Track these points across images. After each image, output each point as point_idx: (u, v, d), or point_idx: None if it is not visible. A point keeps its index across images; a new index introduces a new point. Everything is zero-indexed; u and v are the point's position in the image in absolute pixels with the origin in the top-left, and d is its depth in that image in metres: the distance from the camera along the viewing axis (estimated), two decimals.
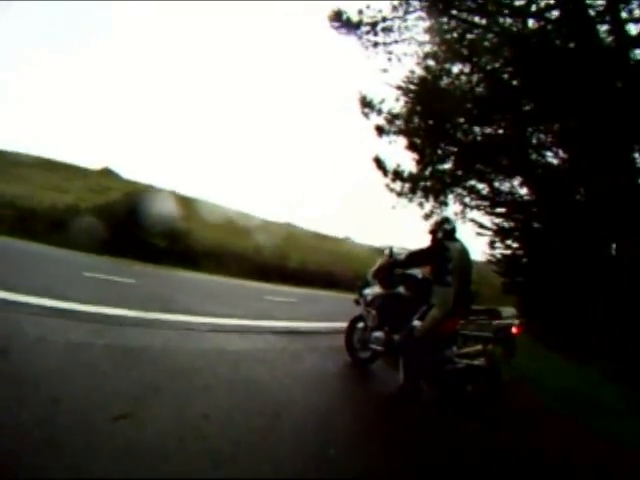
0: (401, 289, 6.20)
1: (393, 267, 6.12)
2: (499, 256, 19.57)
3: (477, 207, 18.04)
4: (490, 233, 18.98)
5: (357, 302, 6.82)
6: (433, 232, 5.72)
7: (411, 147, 17.14)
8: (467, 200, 17.75)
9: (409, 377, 5.26)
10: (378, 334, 6.09)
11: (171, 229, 20.94)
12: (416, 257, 5.74)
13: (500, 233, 18.84)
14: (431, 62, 15.64)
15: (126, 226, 18.58)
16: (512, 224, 18.17)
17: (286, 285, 20.51)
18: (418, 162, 17.21)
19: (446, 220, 5.82)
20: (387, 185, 17.53)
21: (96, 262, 13.32)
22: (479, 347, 5.22)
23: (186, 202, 30.86)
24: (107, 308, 6.52)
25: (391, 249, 6.23)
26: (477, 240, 19.16)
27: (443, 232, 5.63)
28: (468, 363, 5.20)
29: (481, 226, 18.56)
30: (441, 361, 5.33)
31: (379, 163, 18.04)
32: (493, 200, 17.55)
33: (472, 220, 18.20)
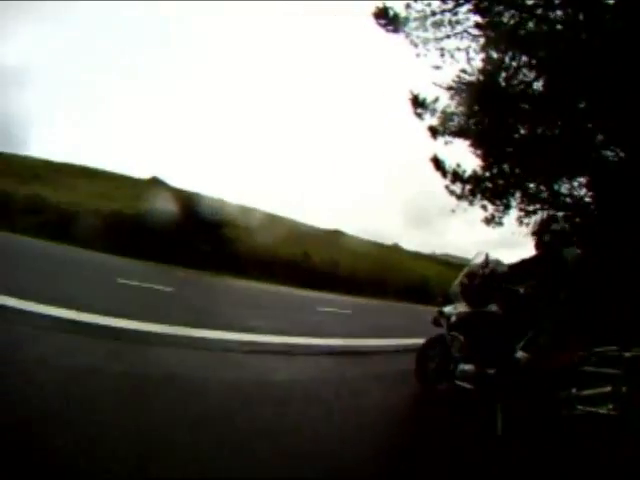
0: (493, 307, 4.77)
1: (492, 280, 4.73)
2: None
3: (534, 211, 16.39)
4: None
5: (436, 323, 5.42)
6: (538, 234, 4.50)
7: (475, 146, 15.68)
8: (524, 204, 16.18)
9: (510, 426, 3.97)
10: (466, 367, 4.70)
11: (218, 234, 20.38)
12: (524, 268, 4.38)
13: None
14: (486, 56, 14.35)
15: (171, 232, 17.93)
16: (572, 228, 16.40)
17: (337, 294, 19.35)
18: (484, 161, 15.64)
19: (554, 219, 4.63)
20: (447, 187, 16.09)
21: (136, 268, 12.68)
22: (607, 389, 3.79)
23: (233, 209, 30.46)
24: (135, 322, 5.52)
25: (487, 256, 4.85)
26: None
27: (552, 235, 4.27)
28: (591, 410, 3.79)
29: None
30: (554, 406, 3.97)
31: (438, 163, 16.57)
32: (552, 203, 15.86)
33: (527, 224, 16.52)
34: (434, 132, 15.79)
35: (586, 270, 4.39)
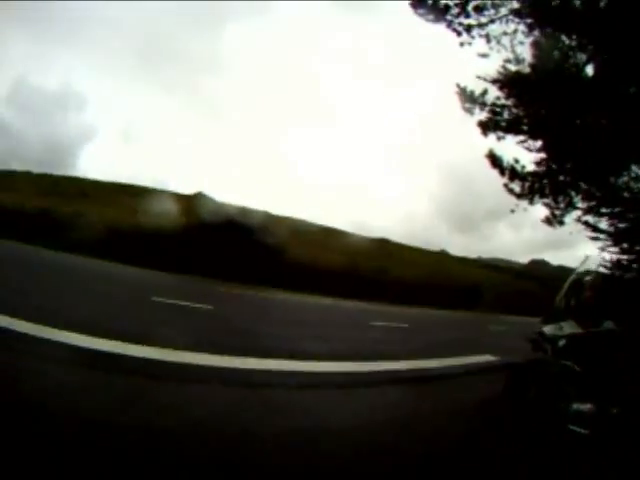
0: (612, 325, 3.55)
1: (611, 291, 3.54)
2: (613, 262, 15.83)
3: (590, 209, 14.81)
4: (605, 236, 15.42)
5: (536, 346, 4.21)
6: None
7: (531, 139, 14.40)
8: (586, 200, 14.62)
9: None
10: (583, 406, 3.46)
11: (262, 247, 19.75)
12: None
13: (615, 235, 15.21)
14: (535, 40, 13.09)
15: (213, 245, 17.56)
16: (629, 224, 14.54)
17: (388, 304, 18.27)
18: (545, 156, 14.25)
19: None
20: (505, 185, 14.78)
21: (175, 283, 12.11)
22: None
23: (277, 220, 30.01)
24: (160, 351, 4.60)
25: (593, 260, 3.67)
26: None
27: None
28: None
29: (595, 229, 15.14)
30: None
31: (494, 160, 15.23)
32: (607, 198, 14.15)
33: (585, 223, 14.87)
34: (485, 128, 14.64)
35: None
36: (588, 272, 3.89)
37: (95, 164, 69.36)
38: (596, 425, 3.34)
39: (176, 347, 4.79)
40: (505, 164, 15.07)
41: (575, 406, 3.53)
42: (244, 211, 23.41)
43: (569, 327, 3.89)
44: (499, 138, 14.62)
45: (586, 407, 3.46)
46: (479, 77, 13.67)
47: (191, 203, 36.44)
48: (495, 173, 14.42)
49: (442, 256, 39.41)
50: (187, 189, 46.04)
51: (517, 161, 15.06)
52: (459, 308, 22.57)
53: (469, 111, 14.66)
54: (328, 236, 31.78)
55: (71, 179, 31.95)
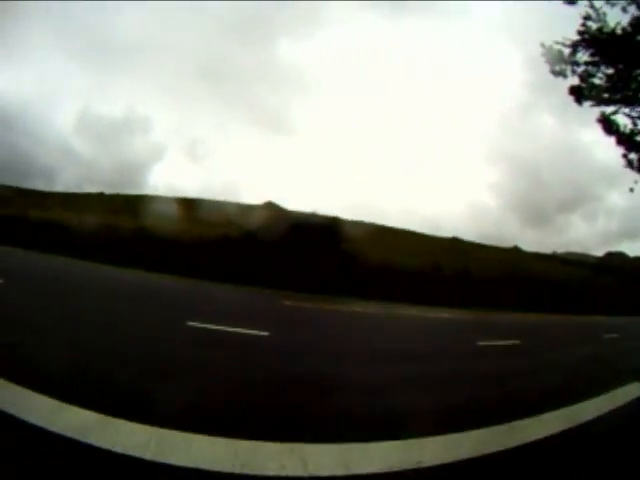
0: None
1: None
2: None
3: None
4: None
5: None
6: None
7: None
8: None
9: None
10: None
11: (335, 252, 18.16)
12: None
13: None
14: None
15: (280, 253, 16.31)
16: None
17: (476, 310, 16.32)
18: None
19: None
20: (624, 156, 12.02)
21: (234, 298, 10.36)
22: None
23: (349, 225, 28.44)
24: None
25: None
26: None
27: None
28: None
29: None
30: None
31: (609, 125, 12.52)
32: None
33: None
34: (578, 95, 12.15)
35: None
36: None
37: (164, 181, 72.51)
38: None
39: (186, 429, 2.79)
40: (622, 130, 12.44)
41: None
42: (314, 217, 21.85)
43: None
44: (600, 103, 12.33)
45: None
46: (557, 43, 11.60)
47: (260, 212, 35.92)
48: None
49: (516, 253, 37.42)
50: (256, 199, 45.74)
51: (637, 124, 12.47)
52: (559, 312, 19.85)
53: (561, 74, 12.56)
54: (400, 238, 30.89)
55: (141, 197, 32.51)
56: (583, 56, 12.19)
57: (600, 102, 12.39)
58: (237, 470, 2.38)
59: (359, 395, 4.21)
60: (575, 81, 12.10)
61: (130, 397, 3.33)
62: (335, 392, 4.19)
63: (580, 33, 11.76)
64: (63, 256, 15.71)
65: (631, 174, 11.64)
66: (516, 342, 9.34)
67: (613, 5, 10.79)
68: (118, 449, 2.42)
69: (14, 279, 8.96)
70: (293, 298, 11.83)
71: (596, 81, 12.43)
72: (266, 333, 6.50)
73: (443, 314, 13.61)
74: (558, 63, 12.49)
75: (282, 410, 3.44)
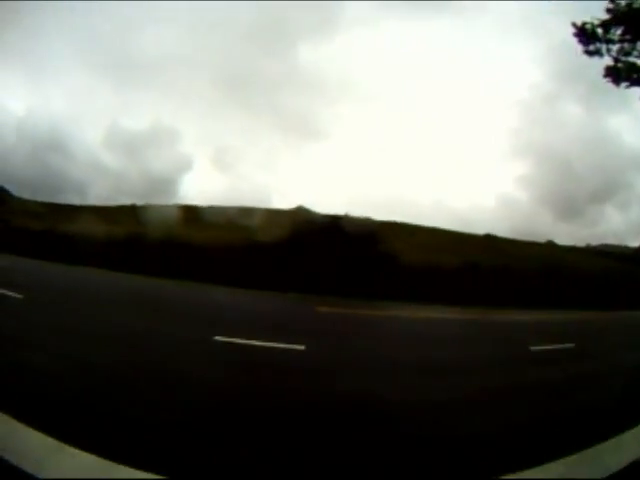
0: None
1: None
2: None
3: None
4: None
5: None
6: None
7: None
8: None
9: None
10: None
11: (372, 253, 17.78)
12: None
13: None
14: None
15: (314, 256, 16.06)
16: None
17: (517, 309, 15.25)
18: None
19: None
20: None
21: (266, 304, 10.69)
22: None
23: (382, 226, 28.04)
24: None
25: None
26: None
27: None
28: None
29: None
30: None
31: None
32: None
33: None
34: (615, 75, 11.56)
35: None
36: None
37: (194, 190, 73.52)
38: None
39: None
40: None
41: None
42: (347, 219, 21.44)
43: None
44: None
45: None
46: (587, 23, 11.16)
47: (292, 217, 35.74)
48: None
49: (551, 247, 35.44)
50: (286, 204, 45.46)
51: None
52: (590, 308, 18.08)
53: (596, 53, 11.98)
54: (433, 236, 29.42)
55: (171, 207, 32.67)
56: (615, 34, 11.56)
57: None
58: None
59: (417, 423, 3.54)
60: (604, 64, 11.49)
61: (143, 438, 2.76)
62: (390, 419, 3.53)
63: (610, 11, 11.12)
64: (93, 267, 15.64)
65: None
66: (570, 345, 8.46)
67: None
68: None
69: (35, 294, 8.73)
70: (327, 304, 11.22)
71: (632, 59, 11.73)
72: (302, 347, 5.86)
73: (486, 315, 12.97)
74: (592, 42, 11.81)
75: (334, 448, 2.81)
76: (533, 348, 7.72)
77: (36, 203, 30.07)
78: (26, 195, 37.44)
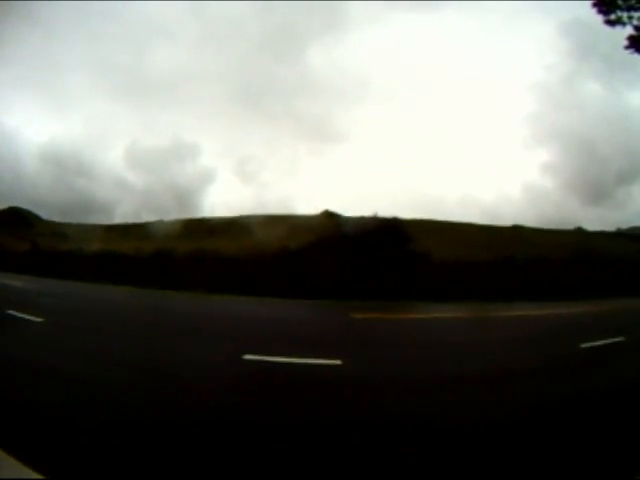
0: None
1: None
2: None
3: None
4: None
5: None
6: None
7: None
8: None
9: None
10: None
11: (404, 254, 16.89)
12: None
13: None
14: None
15: (344, 261, 15.53)
16: None
17: (553, 302, 14.08)
18: None
19: None
20: None
21: (297, 313, 9.54)
22: None
23: (410, 224, 27.50)
24: None
25: None
26: None
27: None
28: None
29: None
30: None
31: None
32: None
33: None
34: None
35: None
36: None
37: (219, 202, 74.43)
38: None
39: None
40: None
41: None
42: (376, 220, 20.89)
43: None
44: None
45: None
46: None
47: (319, 222, 35.53)
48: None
49: (580, 234, 35.21)
50: (313, 210, 45.13)
51: None
52: (626, 295, 17.06)
53: (618, 22, 10.98)
54: (462, 231, 29.69)
55: (198, 220, 32.89)
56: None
57: None
58: None
59: (483, 448, 2.89)
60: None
61: None
62: (454, 451, 2.88)
63: None
64: (120, 285, 15.52)
65: None
66: (620, 339, 7.69)
67: None
68: None
69: (56, 317, 8.50)
70: (362, 309, 10.56)
71: None
72: (338, 362, 5.23)
73: (526, 311, 12.04)
74: (613, 10, 10.85)
75: None
76: (584, 345, 6.98)
77: (63, 224, 30.67)
78: (55, 218, 38.71)
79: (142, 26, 75.63)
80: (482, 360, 6.05)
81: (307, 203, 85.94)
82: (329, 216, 40.80)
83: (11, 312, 8.75)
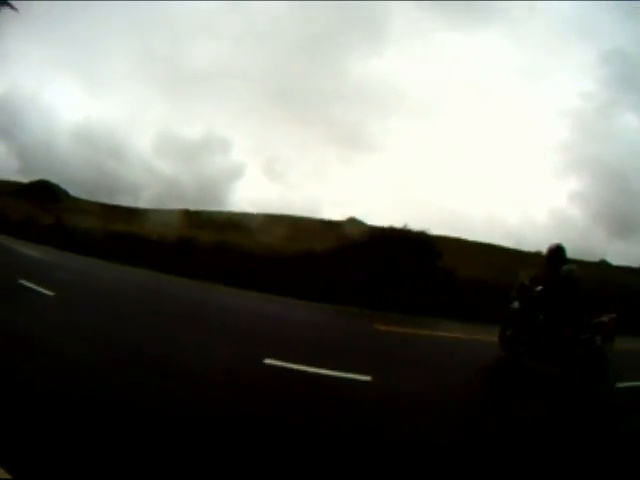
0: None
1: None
2: None
3: None
4: None
5: None
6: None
7: None
8: None
9: None
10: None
11: (431, 270, 16.19)
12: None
13: None
14: None
15: (369, 267, 14.84)
16: None
17: None
18: None
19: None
20: None
21: (320, 319, 9.71)
22: None
23: (436, 240, 27.12)
24: None
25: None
26: None
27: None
28: None
29: None
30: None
31: None
32: None
33: None
34: None
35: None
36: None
37: (245, 198, 74.93)
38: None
39: None
40: None
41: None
42: (405, 232, 20.33)
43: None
44: None
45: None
46: None
47: (346, 228, 35.18)
48: None
49: (604, 267, 33.70)
50: (339, 216, 44.61)
51: None
52: None
53: None
54: (486, 252, 29.16)
55: (222, 213, 32.61)
56: None
57: None
58: None
59: None
60: None
61: None
62: None
63: None
64: (139, 267, 15.19)
65: None
66: None
67: None
68: None
69: (68, 292, 8.14)
70: (386, 321, 9.92)
71: None
72: (367, 378, 4.61)
73: None
74: None
75: None
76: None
77: (89, 202, 30.75)
78: (83, 196, 39.04)
79: (184, 18, 77.06)
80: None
81: (332, 208, 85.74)
82: (355, 224, 40.43)
83: (23, 282, 8.47)
